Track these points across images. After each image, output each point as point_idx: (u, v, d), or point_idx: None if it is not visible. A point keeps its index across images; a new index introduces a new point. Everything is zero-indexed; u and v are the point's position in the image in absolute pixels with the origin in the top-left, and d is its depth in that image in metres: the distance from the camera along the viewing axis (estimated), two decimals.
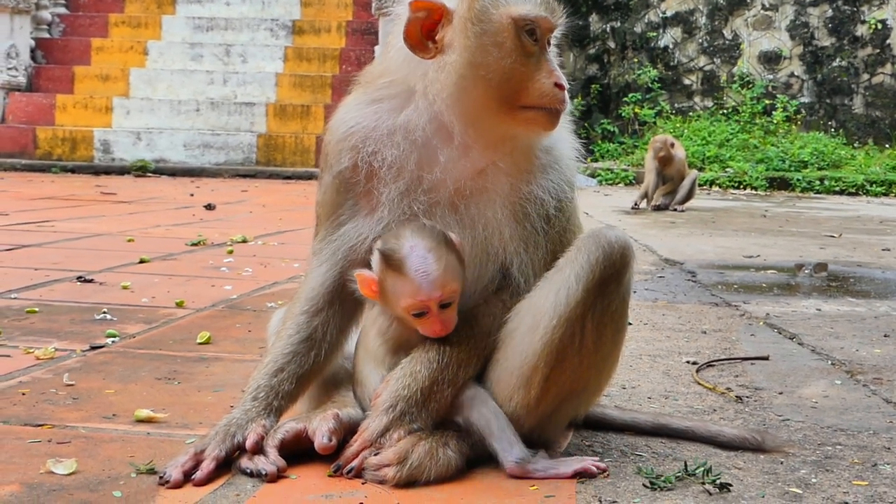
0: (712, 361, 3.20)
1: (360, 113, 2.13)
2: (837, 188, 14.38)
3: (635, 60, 17.06)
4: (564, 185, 2.14)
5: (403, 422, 1.99)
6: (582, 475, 2.02)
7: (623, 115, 16.73)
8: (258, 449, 1.97)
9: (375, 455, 1.95)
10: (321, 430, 1.94)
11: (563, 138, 2.18)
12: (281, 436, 1.99)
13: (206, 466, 1.91)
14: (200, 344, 3.18)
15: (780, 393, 2.83)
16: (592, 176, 14.74)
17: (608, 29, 17.16)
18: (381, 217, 2.09)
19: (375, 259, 2.04)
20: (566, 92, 2.04)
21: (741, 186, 14.55)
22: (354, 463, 1.95)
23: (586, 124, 16.94)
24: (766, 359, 3.26)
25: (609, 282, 2.03)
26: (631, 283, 2.11)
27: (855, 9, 16.79)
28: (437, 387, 2.02)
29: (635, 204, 10.30)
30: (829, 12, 16.80)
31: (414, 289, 1.98)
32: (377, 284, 2.02)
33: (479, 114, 2.04)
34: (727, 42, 16.98)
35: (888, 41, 16.70)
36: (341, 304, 2.16)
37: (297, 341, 2.13)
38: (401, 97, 2.10)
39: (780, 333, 3.76)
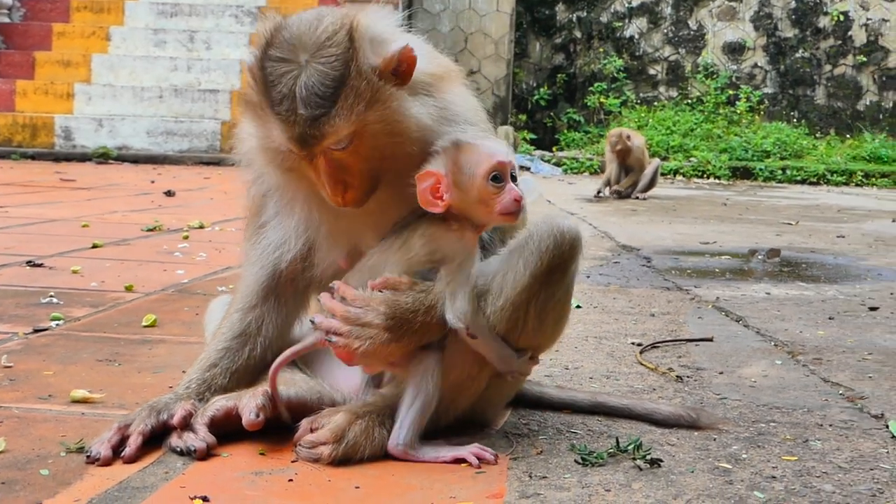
0: (657, 343, 3.22)
1: (250, 125, 2.07)
2: (799, 178, 14.54)
3: (601, 50, 17.11)
4: None
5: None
6: (461, 461, 1.97)
7: (589, 104, 16.79)
8: (187, 426, 1.96)
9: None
10: (249, 406, 1.93)
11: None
12: (211, 413, 1.98)
13: (134, 441, 1.90)
14: (146, 327, 3.16)
15: (721, 373, 2.86)
16: (557, 165, 14.78)
17: (574, 18, 17.19)
18: (298, 227, 2.11)
19: (439, 160, 2.03)
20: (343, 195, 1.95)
21: (705, 176, 14.66)
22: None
23: (552, 113, 16.99)
24: (710, 340, 3.29)
25: (556, 271, 2.02)
26: (576, 274, 2.11)
27: (818, 0, 16.93)
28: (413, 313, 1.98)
29: (598, 192, 10.36)
30: (793, 3, 16.93)
31: (491, 151, 2.03)
32: (446, 176, 2.01)
33: None
34: (692, 33, 17.07)
35: (850, 33, 16.87)
36: (277, 299, 2.17)
37: (230, 337, 2.15)
38: None
39: (727, 316, 3.79)
